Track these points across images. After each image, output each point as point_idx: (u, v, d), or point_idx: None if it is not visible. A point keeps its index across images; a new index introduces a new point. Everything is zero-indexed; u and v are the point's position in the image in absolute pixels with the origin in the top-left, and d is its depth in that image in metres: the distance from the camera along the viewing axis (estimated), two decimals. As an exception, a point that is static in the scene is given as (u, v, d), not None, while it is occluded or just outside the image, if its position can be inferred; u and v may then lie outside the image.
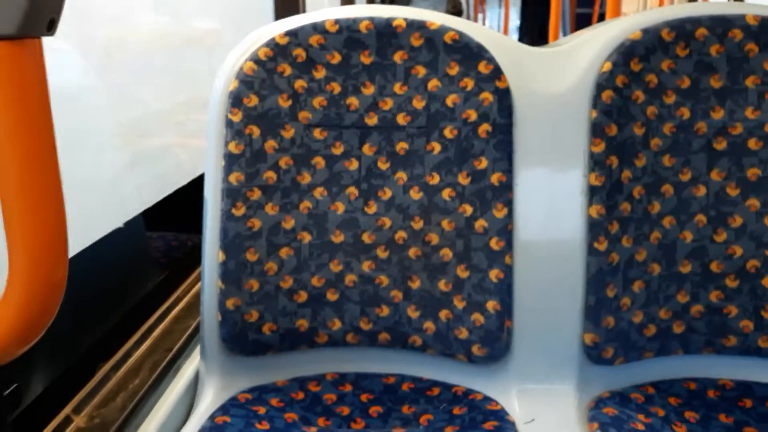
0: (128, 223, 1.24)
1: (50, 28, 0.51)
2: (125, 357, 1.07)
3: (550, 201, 1.05)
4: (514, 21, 9.61)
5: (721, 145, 1.06)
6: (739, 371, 1.09)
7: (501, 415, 1.00)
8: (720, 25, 1.04)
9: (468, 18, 8.15)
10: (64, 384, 0.99)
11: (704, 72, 1.05)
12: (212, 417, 0.99)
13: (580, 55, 1.06)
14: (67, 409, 0.91)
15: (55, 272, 0.58)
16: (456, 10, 7.97)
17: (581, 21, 6.04)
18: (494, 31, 1.09)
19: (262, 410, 1.02)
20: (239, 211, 1.05)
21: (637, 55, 1.03)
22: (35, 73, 0.51)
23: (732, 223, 1.06)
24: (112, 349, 1.08)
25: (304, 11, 2.02)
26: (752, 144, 1.05)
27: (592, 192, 1.03)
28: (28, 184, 0.54)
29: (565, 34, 5.45)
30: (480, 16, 7.32)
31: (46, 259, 0.57)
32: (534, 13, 9.12)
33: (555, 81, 1.06)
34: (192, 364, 1.13)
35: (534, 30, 9.13)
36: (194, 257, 1.20)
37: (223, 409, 1.01)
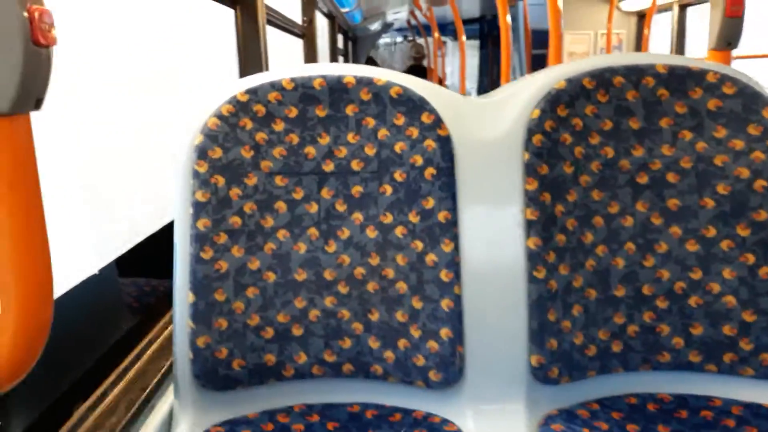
0: (101, 271, 1.30)
1: (37, 105, 0.60)
2: (101, 397, 1.12)
3: (492, 234, 1.15)
4: (473, 64, 9.95)
5: (643, 179, 1.18)
6: (675, 385, 1.18)
7: None
8: (634, 73, 1.17)
9: (429, 63, 8.41)
10: (43, 426, 1.04)
11: (623, 115, 1.18)
12: None
13: (512, 104, 1.18)
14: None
15: (42, 314, 0.66)
16: (419, 55, 8.24)
17: (537, 61, 6.31)
18: (435, 85, 1.20)
19: None
20: (207, 255, 1.13)
21: (562, 102, 1.16)
22: (26, 143, 0.60)
23: (659, 249, 1.17)
24: (88, 391, 1.14)
25: (267, 69, 2.13)
26: (671, 178, 1.17)
27: (529, 225, 1.13)
28: (19, 239, 0.62)
29: (522, 74, 5.68)
30: (440, 60, 7.57)
31: (34, 304, 0.65)
32: (492, 55, 9.46)
33: (491, 127, 1.18)
34: (166, 402, 1.19)
35: (494, 71, 9.46)
36: (166, 301, 1.26)
37: None
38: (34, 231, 0.64)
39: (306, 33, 3.85)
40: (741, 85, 1.15)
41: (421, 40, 9.12)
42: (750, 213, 1.14)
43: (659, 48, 5.55)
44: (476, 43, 10.13)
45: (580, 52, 6.30)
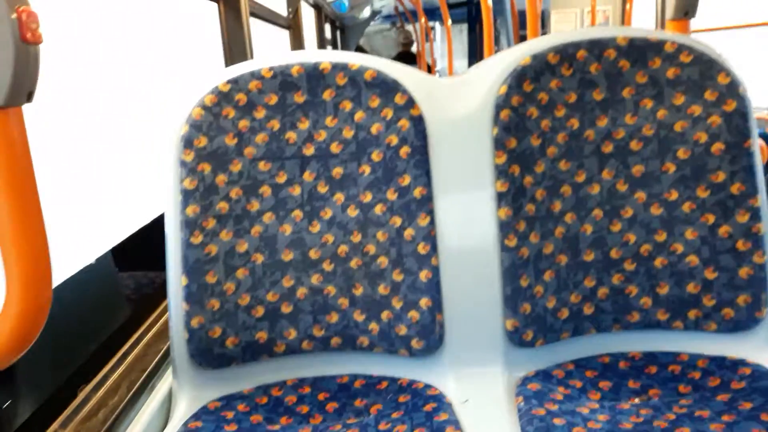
0: (100, 265, 1.36)
1: (29, 98, 0.66)
2: (104, 379, 1.18)
3: (465, 207, 1.21)
4: (463, 48, 9.98)
5: (608, 148, 1.23)
6: (645, 343, 1.25)
7: (440, 398, 1.14)
8: (596, 46, 1.23)
9: (417, 49, 8.45)
10: (50, 406, 1.10)
11: (587, 87, 1.23)
12: (185, 423, 1.11)
13: (481, 82, 1.24)
14: (54, 425, 1.03)
15: (43, 294, 0.72)
16: (407, 41, 8.27)
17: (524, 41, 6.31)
18: (407, 67, 1.26)
19: (230, 415, 1.15)
20: (197, 240, 1.19)
21: (528, 78, 1.21)
22: (19, 134, 0.66)
23: (624, 214, 1.23)
24: (91, 375, 1.20)
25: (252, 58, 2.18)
26: (634, 145, 1.23)
27: (500, 197, 1.19)
28: (18, 225, 0.68)
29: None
30: (427, 46, 7.61)
31: (35, 284, 0.71)
32: (481, 38, 9.48)
33: (461, 105, 1.24)
34: (166, 382, 1.25)
35: (483, 53, 9.48)
36: (162, 291, 1.32)
37: (195, 417, 1.13)
38: (31, 217, 0.70)
39: (292, 24, 3.89)
40: (697, 53, 1.21)
41: (409, 27, 9.14)
42: (709, 175, 1.20)
43: (644, 22, 5.58)
44: (465, 27, 10.15)
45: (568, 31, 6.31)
